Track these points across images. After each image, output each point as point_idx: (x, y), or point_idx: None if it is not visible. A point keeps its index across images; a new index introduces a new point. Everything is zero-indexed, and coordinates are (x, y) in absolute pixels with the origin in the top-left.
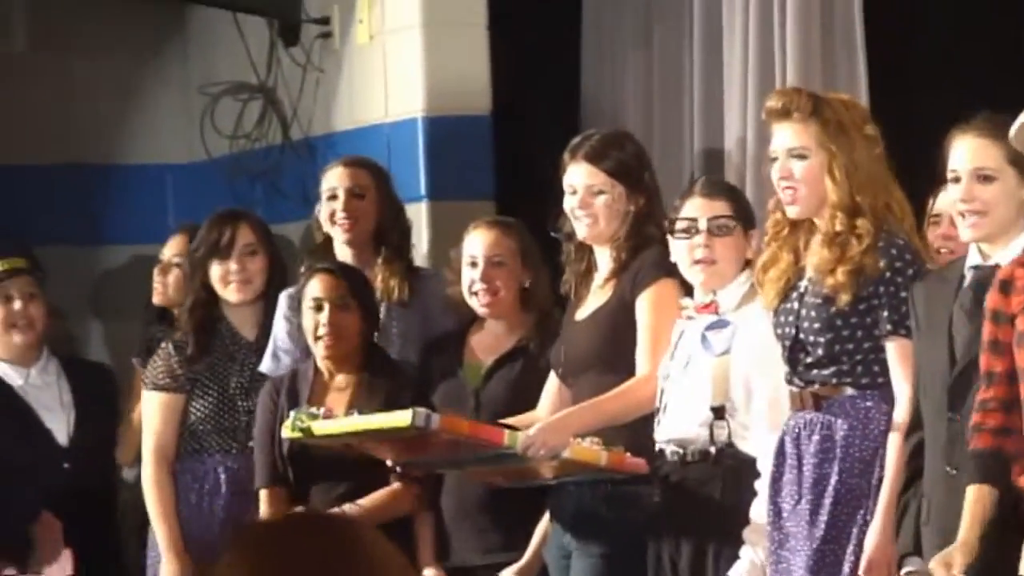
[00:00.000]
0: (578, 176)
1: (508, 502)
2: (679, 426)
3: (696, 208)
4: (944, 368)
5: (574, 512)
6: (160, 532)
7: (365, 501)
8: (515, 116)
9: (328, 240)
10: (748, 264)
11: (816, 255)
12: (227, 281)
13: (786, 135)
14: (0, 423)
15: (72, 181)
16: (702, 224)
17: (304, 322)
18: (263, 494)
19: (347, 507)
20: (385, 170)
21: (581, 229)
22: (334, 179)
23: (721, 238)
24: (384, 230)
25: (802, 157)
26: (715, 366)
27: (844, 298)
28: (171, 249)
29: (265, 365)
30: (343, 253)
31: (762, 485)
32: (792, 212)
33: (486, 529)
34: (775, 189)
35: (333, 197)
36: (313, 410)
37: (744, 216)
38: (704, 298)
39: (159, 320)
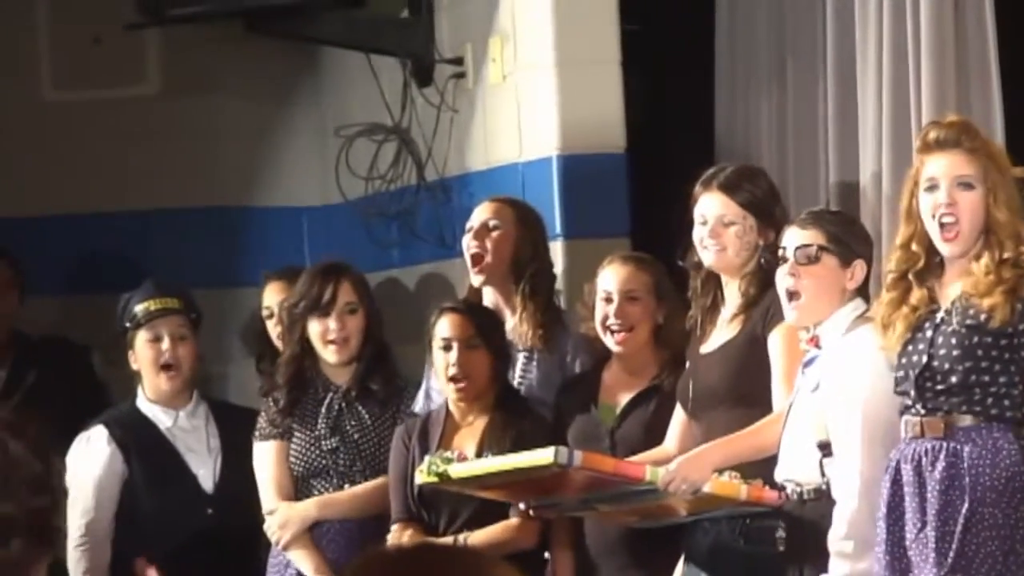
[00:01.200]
0: (710, 206)
1: (650, 541)
2: (793, 464)
3: (789, 238)
4: None
5: (711, 548)
6: (302, 561)
7: (483, 533)
8: (650, 153)
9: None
10: (859, 295)
11: (969, 280)
12: (326, 340)
13: (951, 164)
14: (145, 470)
15: (208, 225)
16: (789, 253)
17: (435, 362)
18: (395, 528)
19: (462, 537)
20: (530, 209)
21: (709, 257)
22: (475, 214)
23: (805, 267)
24: (520, 267)
25: (969, 187)
26: (815, 402)
27: (998, 317)
28: (269, 298)
29: (418, 405)
30: (485, 290)
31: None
32: (947, 250)
33: (626, 567)
34: (925, 220)
35: (470, 230)
36: (447, 454)
37: (841, 246)
38: (810, 331)
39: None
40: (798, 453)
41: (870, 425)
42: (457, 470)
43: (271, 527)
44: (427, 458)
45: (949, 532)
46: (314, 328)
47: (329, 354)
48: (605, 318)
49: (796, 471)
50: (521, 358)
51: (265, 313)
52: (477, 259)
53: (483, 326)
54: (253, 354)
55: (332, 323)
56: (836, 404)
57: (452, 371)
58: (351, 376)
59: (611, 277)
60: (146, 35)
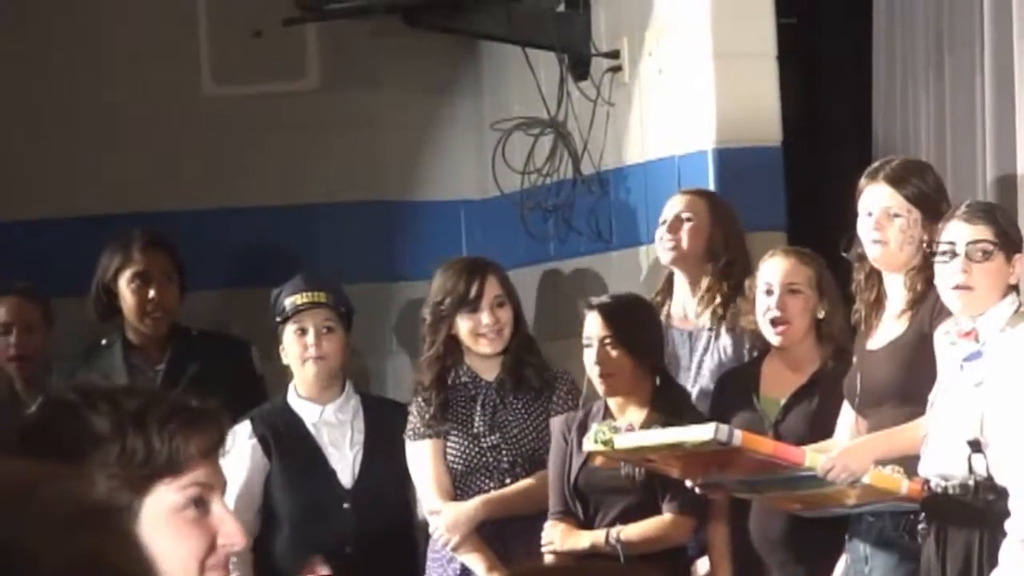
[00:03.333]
0: (876, 198)
1: (811, 536)
2: (940, 458)
3: (956, 232)
4: None
5: (875, 542)
6: (475, 562)
7: (637, 527)
8: (806, 148)
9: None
10: (1013, 289)
11: None
12: (478, 334)
13: None
14: (285, 466)
15: (366, 219)
16: (960, 248)
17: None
18: (551, 523)
19: (615, 531)
20: (722, 200)
21: (874, 251)
22: (666, 207)
23: (980, 264)
24: (714, 253)
25: None
26: (971, 397)
27: None
28: None
29: None
30: (677, 277)
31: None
32: None
33: (788, 562)
34: None
35: (663, 222)
36: (615, 423)
37: (1008, 241)
38: (966, 325)
39: None
40: (946, 448)
41: None
42: (622, 440)
43: (438, 528)
44: (594, 426)
45: None
46: (463, 324)
47: (483, 347)
48: (767, 310)
49: (944, 466)
50: (700, 347)
51: None
52: (672, 247)
53: (622, 325)
54: (411, 348)
55: (484, 316)
56: (1002, 402)
57: (595, 369)
58: (501, 369)
59: (773, 269)
60: (305, 30)
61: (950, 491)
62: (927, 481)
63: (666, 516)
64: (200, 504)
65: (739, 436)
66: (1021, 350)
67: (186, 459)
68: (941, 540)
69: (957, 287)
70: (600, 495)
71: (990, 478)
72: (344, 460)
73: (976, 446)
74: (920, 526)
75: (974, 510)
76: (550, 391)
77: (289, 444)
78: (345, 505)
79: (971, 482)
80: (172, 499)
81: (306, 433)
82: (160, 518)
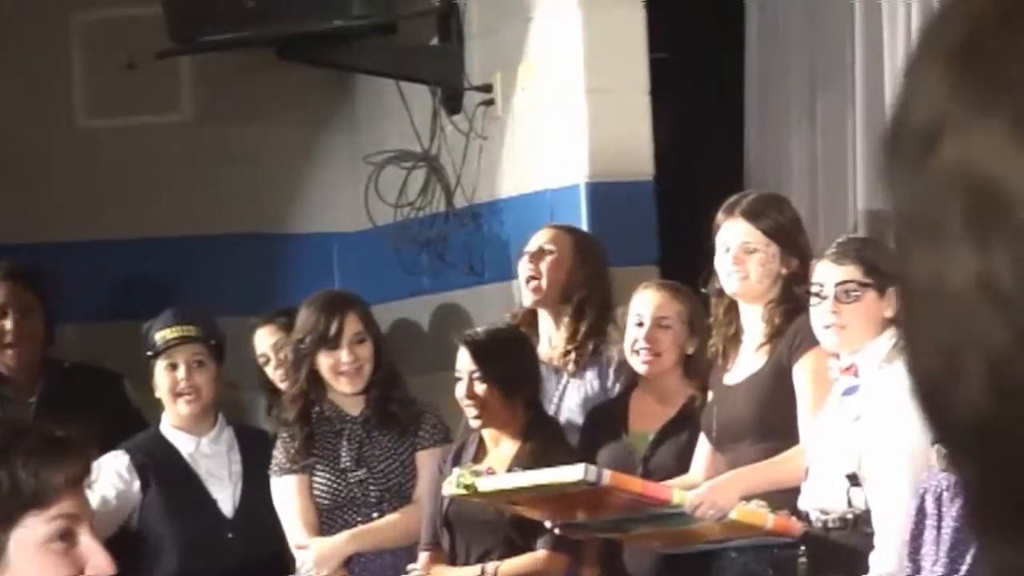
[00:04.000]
0: (733, 232)
1: (681, 570)
2: (820, 492)
3: (824, 274)
4: None
5: None
6: None
7: (512, 563)
8: (679, 181)
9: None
10: (893, 323)
11: None
12: (338, 372)
13: None
14: (165, 495)
15: (240, 251)
16: (828, 290)
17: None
18: (422, 556)
19: (491, 567)
20: (588, 237)
21: (732, 284)
22: (532, 238)
23: (849, 304)
24: (571, 290)
25: None
26: (850, 432)
27: None
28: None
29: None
30: (540, 312)
31: (888, 540)
32: None
33: None
34: None
35: (527, 254)
36: (477, 467)
37: (878, 277)
38: (845, 360)
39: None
40: (825, 481)
41: (912, 459)
42: (485, 484)
43: (306, 563)
44: (456, 470)
45: (956, 570)
46: (324, 361)
47: (343, 385)
48: (635, 342)
49: (823, 500)
50: (564, 380)
51: (261, 360)
52: (530, 281)
53: (491, 359)
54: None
55: (343, 355)
56: (878, 437)
57: (465, 403)
58: (365, 405)
59: (644, 302)
60: (179, 62)
61: (829, 524)
62: (802, 515)
63: (540, 553)
64: (67, 536)
65: (608, 476)
66: (898, 385)
67: (53, 491)
68: (820, 573)
69: (828, 327)
70: (470, 529)
71: (868, 512)
72: (225, 490)
73: (854, 480)
74: (800, 559)
75: (852, 544)
76: (416, 426)
77: (167, 474)
78: (229, 535)
79: (850, 516)
80: (40, 531)
81: (184, 463)
82: (28, 551)
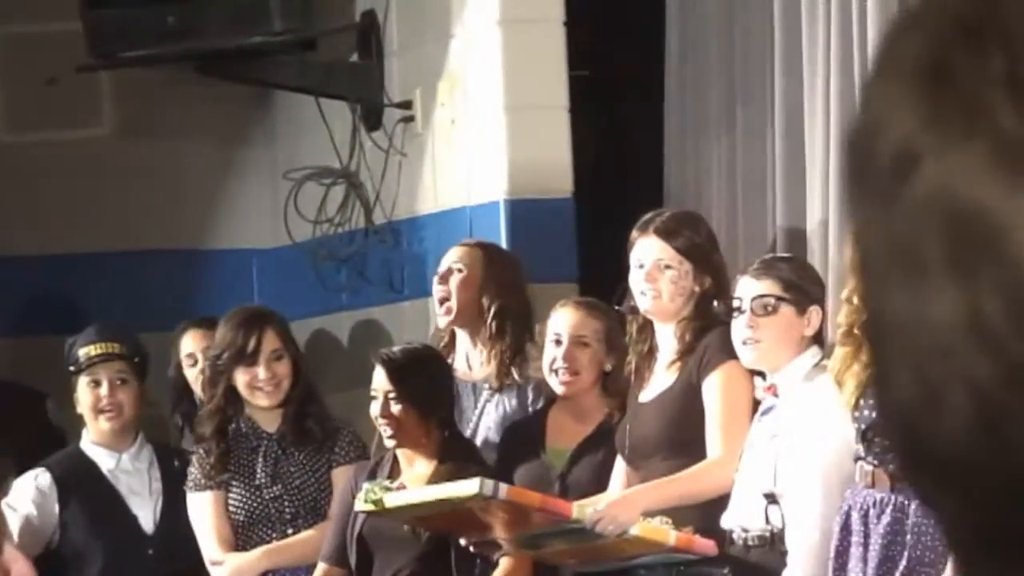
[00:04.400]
0: (647, 250)
1: None
2: (741, 509)
3: (743, 288)
4: None
5: None
6: None
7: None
8: (598, 198)
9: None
10: (816, 342)
11: None
12: (255, 387)
13: None
14: (86, 512)
15: (160, 267)
16: (745, 304)
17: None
18: (320, 568)
19: None
20: (500, 251)
21: (645, 303)
22: (444, 258)
23: (764, 318)
24: (483, 309)
25: None
26: (767, 450)
27: None
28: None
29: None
30: (458, 331)
31: (798, 559)
32: None
33: None
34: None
35: (438, 274)
36: (387, 483)
37: (798, 294)
38: (768, 380)
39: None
40: (747, 500)
41: (827, 477)
42: (392, 499)
43: None
44: (365, 485)
45: None
46: (241, 377)
47: (260, 400)
48: (553, 360)
49: (743, 518)
50: (483, 397)
51: (187, 362)
52: (441, 303)
53: (406, 379)
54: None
55: (260, 371)
56: (793, 455)
57: (380, 421)
58: (282, 421)
59: (562, 320)
60: (100, 77)
61: (749, 543)
62: (726, 533)
63: (505, 563)
64: None
65: (504, 489)
66: (811, 403)
67: None
68: None
69: (744, 341)
70: (387, 546)
71: (784, 530)
72: (145, 507)
73: (772, 498)
74: (724, 571)
75: (770, 562)
76: (332, 442)
77: (87, 490)
78: (149, 551)
79: (767, 534)
80: None
81: (104, 479)
82: None
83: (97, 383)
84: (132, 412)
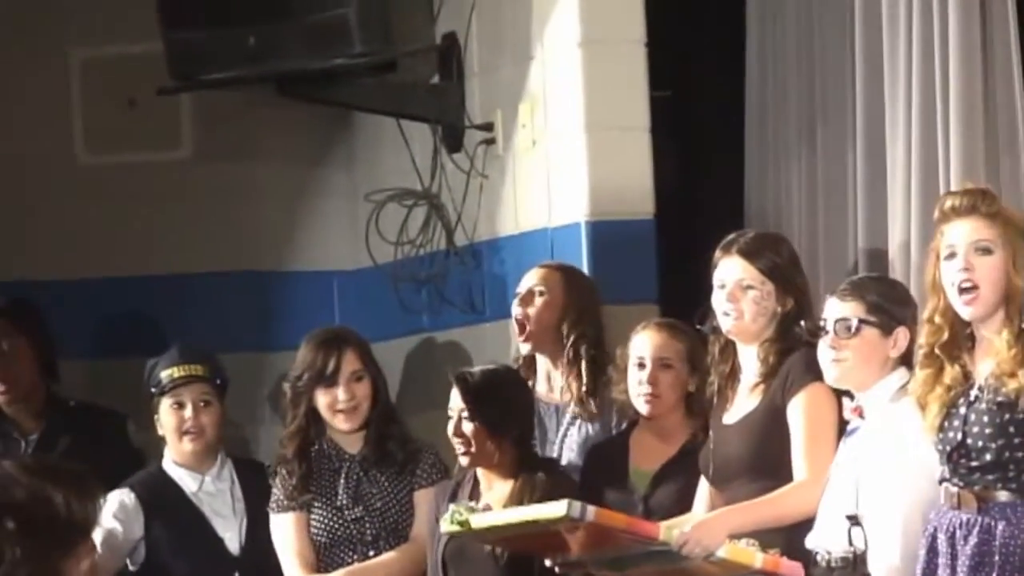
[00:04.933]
0: (730, 271)
1: None
2: (825, 531)
3: (829, 309)
4: None
5: None
6: None
7: None
8: (679, 219)
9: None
10: (903, 362)
11: (995, 358)
12: (335, 410)
13: (969, 230)
14: (171, 532)
15: (240, 288)
16: (829, 325)
17: None
18: None
19: None
20: (580, 275)
21: (727, 323)
22: (523, 280)
23: (847, 339)
24: (564, 332)
25: (987, 252)
26: (850, 471)
27: None
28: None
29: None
30: (538, 355)
31: None
32: (968, 313)
33: None
34: (946, 289)
35: (518, 296)
36: (472, 504)
37: (882, 316)
38: (856, 401)
39: None
40: (831, 521)
41: (909, 501)
42: (478, 520)
43: None
44: (451, 506)
45: None
46: (321, 399)
47: (340, 422)
48: (638, 383)
49: (827, 539)
50: (566, 420)
51: None
52: (521, 326)
53: (479, 398)
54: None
55: (340, 392)
56: (875, 477)
57: (454, 440)
58: (364, 443)
59: (645, 343)
60: (180, 99)
61: (832, 564)
62: (811, 555)
63: None
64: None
65: (592, 511)
66: (893, 425)
67: (93, 522)
68: None
69: (829, 362)
70: (466, 569)
71: (867, 551)
72: (231, 528)
73: (855, 520)
74: None
75: None
76: (414, 464)
77: (172, 511)
78: (235, 574)
79: (851, 555)
80: (84, 563)
81: (188, 501)
82: None
83: (181, 405)
84: (214, 433)
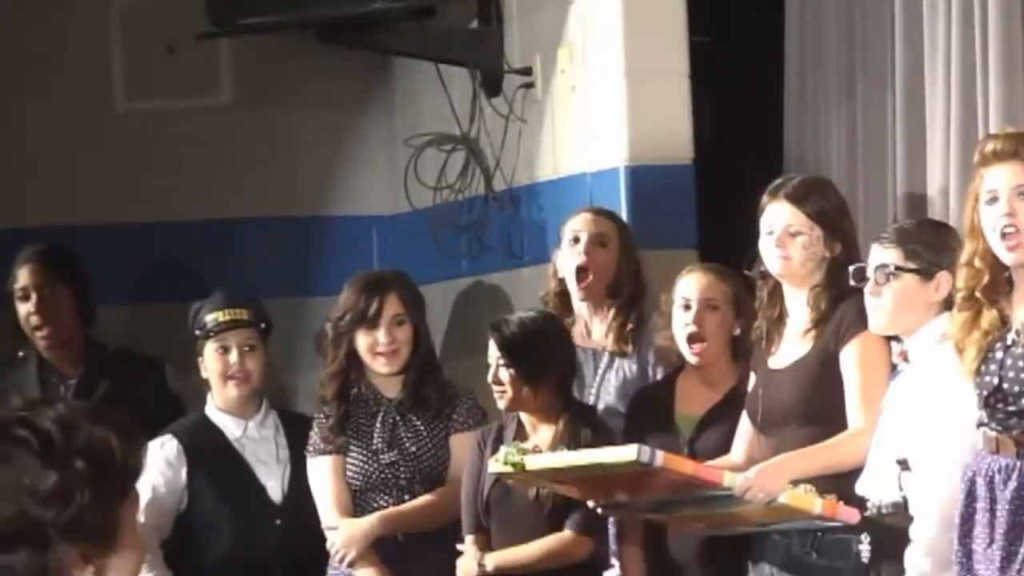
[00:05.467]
0: (777, 215)
1: (725, 555)
2: (875, 477)
3: (871, 256)
4: None
5: (783, 560)
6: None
7: (536, 545)
8: (718, 165)
9: (562, 287)
10: (948, 306)
11: None
12: (375, 352)
13: (1011, 174)
14: (213, 479)
15: (280, 234)
16: (870, 272)
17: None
18: (468, 540)
19: (509, 552)
20: (627, 225)
21: (775, 265)
22: (579, 224)
23: (886, 286)
24: (621, 282)
25: None
26: (897, 416)
27: None
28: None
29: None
30: (577, 301)
31: (925, 531)
32: (1011, 259)
33: None
34: (986, 233)
35: (576, 240)
36: (524, 445)
37: (923, 262)
38: (903, 346)
39: None
40: (879, 467)
41: (951, 444)
42: (533, 461)
43: (335, 544)
44: (503, 448)
45: (1014, 552)
46: (362, 341)
47: (379, 365)
48: (685, 325)
49: (876, 485)
50: (603, 365)
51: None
52: (584, 272)
53: (512, 346)
54: (324, 363)
55: (381, 335)
56: (918, 421)
57: (494, 388)
58: (402, 387)
59: (691, 285)
60: (218, 45)
61: (883, 510)
62: (859, 500)
63: (566, 534)
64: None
65: (661, 457)
66: (935, 370)
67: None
68: (877, 557)
69: (870, 308)
70: (509, 515)
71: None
72: (273, 476)
73: (904, 464)
74: (859, 547)
75: (905, 528)
76: (450, 409)
77: (215, 458)
78: (277, 521)
79: (901, 499)
80: (132, 511)
81: (231, 448)
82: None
83: (226, 349)
84: (259, 379)
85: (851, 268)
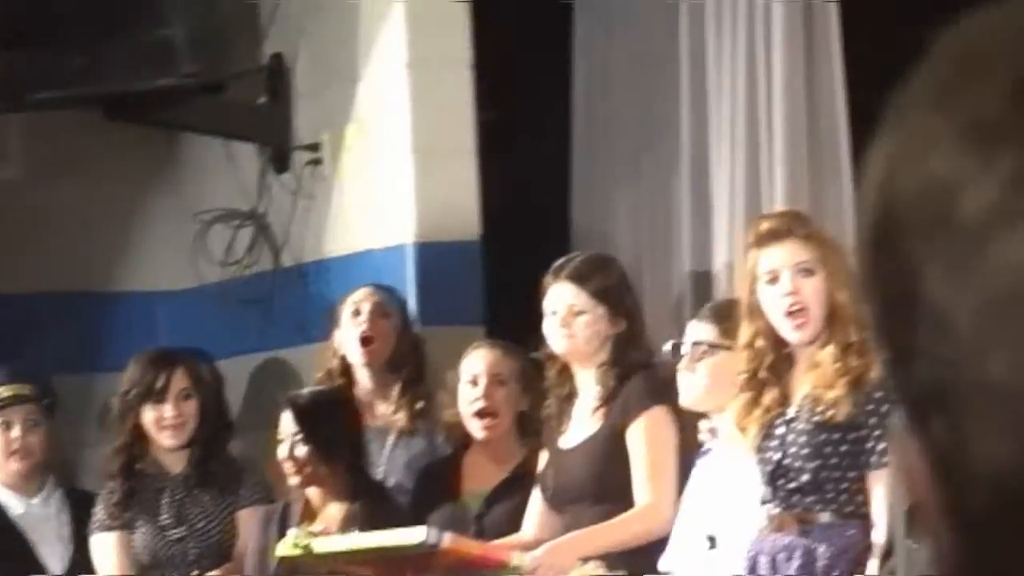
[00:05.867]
0: (560, 296)
1: None
2: (680, 554)
3: (687, 332)
4: None
5: None
6: None
7: None
8: (506, 242)
9: (344, 364)
10: None
11: (815, 372)
12: (161, 426)
13: (789, 252)
14: None
15: (68, 309)
16: (685, 348)
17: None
18: None
19: None
20: (404, 300)
21: (560, 344)
22: (359, 296)
23: (700, 362)
24: (401, 356)
25: (810, 272)
26: (704, 493)
27: (842, 412)
28: None
29: None
30: (361, 376)
31: None
32: (797, 337)
33: None
34: (769, 314)
35: (357, 312)
36: (312, 528)
37: (733, 339)
38: (712, 423)
39: None
40: (685, 543)
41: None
42: (321, 545)
43: None
44: (291, 531)
45: None
46: (148, 415)
47: (165, 438)
48: (473, 400)
49: (681, 562)
50: (390, 443)
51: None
52: (368, 341)
53: (309, 421)
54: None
55: (167, 409)
56: (726, 498)
57: (287, 464)
58: (187, 462)
59: (478, 361)
60: (8, 120)
61: None
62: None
63: None
64: None
65: (447, 538)
66: (743, 447)
67: None
68: None
69: (683, 385)
70: None
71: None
72: (54, 555)
73: (713, 542)
74: None
75: None
76: (237, 484)
77: None
78: None
79: None
80: None
81: (12, 525)
82: None
83: (8, 425)
84: (42, 455)
85: (667, 345)
